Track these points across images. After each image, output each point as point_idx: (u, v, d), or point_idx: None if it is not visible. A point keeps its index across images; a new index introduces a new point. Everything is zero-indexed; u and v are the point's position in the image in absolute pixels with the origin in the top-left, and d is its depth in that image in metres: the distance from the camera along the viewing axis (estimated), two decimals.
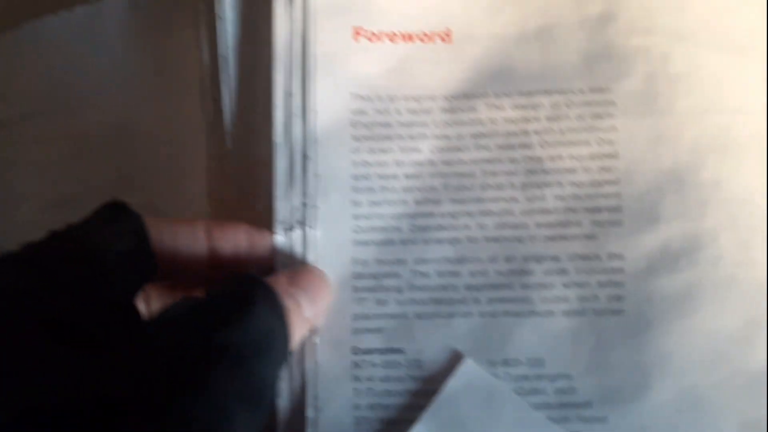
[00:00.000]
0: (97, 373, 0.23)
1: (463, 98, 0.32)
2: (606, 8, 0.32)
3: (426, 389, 0.31)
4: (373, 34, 0.33)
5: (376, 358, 0.31)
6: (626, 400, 0.30)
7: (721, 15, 0.32)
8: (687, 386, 0.30)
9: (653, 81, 0.31)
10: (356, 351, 0.31)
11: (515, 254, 0.31)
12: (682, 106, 0.31)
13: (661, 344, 0.30)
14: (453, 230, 0.32)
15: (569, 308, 0.31)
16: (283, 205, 0.32)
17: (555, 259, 0.31)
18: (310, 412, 0.31)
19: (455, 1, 0.33)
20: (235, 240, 0.31)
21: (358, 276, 0.32)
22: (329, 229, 0.32)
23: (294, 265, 0.31)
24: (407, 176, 0.32)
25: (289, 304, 0.28)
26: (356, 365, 0.31)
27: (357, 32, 0.33)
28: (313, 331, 0.31)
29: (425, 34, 0.33)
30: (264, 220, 0.32)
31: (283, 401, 0.31)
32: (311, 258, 0.31)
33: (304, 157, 0.32)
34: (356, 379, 0.31)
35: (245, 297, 0.26)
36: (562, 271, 0.31)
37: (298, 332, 0.29)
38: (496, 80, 0.32)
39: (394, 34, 0.33)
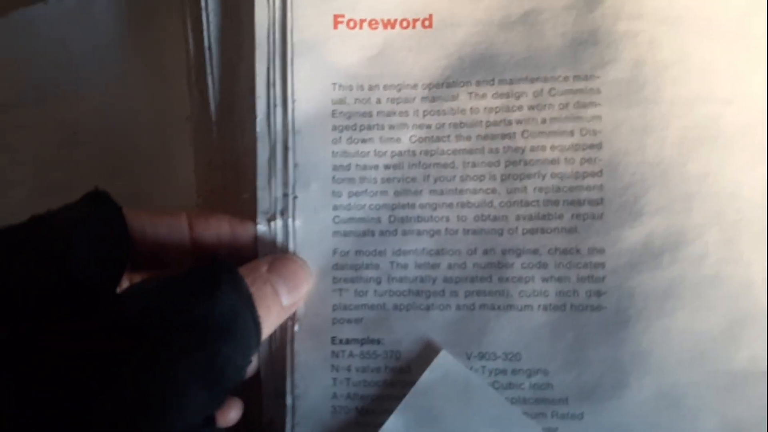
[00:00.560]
0: (44, 343, 0.23)
1: (444, 87, 0.31)
2: None
3: (403, 380, 0.30)
4: (354, 21, 0.31)
5: (355, 348, 0.31)
6: (603, 397, 0.29)
7: (712, 1, 0.30)
8: (666, 385, 0.29)
9: (640, 68, 0.30)
10: (335, 341, 0.31)
11: (494, 247, 0.30)
12: (669, 95, 0.29)
13: (641, 342, 0.29)
14: (432, 222, 0.31)
15: (548, 303, 0.30)
16: (265, 195, 0.31)
17: (534, 252, 0.30)
18: (288, 400, 0.31)
19: None
20: (218, 230, 0.31)
21: (338, 266, 0.31)
22: (309, 219, 0.31)
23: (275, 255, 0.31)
24: (387, 167, 0.31)
25: (266, 290, 0.28)
26: (335, 355, 0.31)
27: (337, 20, 0.31)
28: (292, 320, 0.31)
29: (407, 20, 0.31)
30: (250, 209, 0.32)
31: (266, 387, 0.31)
32: (292, 248, 0.31)
33: (285, 147, 0.31)
34: (334, 368, 0.31)
35: (209, 279, 0.26)
36: (542, 265, 0.30)
37: (273, 319, 0.29)
38: (478, 68, 0.31)
39: (375, 21, 0.31)
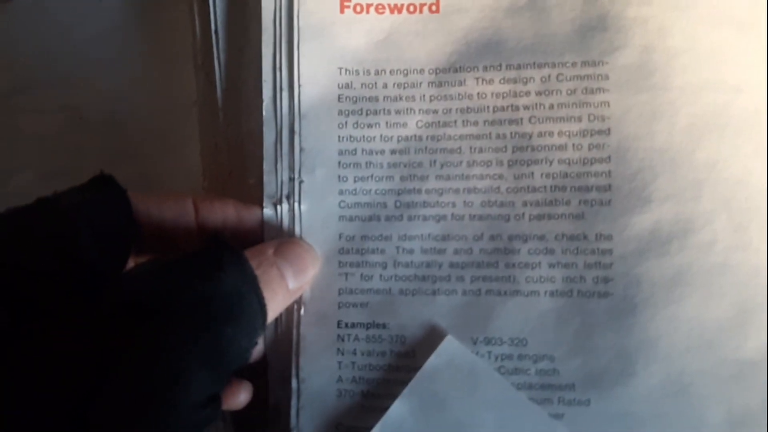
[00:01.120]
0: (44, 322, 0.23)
1: (451, 72, 0.30)
2: None
3: (408, 365, 0.30)
4: (360, 5, 0.31)
5: (360, 332, 0.31)
6: (610, 384, 0.29)
7: None
8: (673, 373, 0.28)
9: (649, 54, 0.29)
10: (341, 324, 0.30)
11: (501, 233, 0.30)
12: (678, 82, 0.29)
13: (648, 329, 0.28)
14: (438, 207, 0.30)
15: (554, 289, 0.29)
16: (271, 179, 0.31)
17: (541, 238, 0.29)
18: (294, 383, 0.30)
19: None
20: (223, 214, 0.30)
21: (344, 251, 0.31)
22: (315, 203, 0.31)
23: (282, 239, 0.31)
24: (393, 152, 0.31)
25: (272, 273, 0.28)
26: (340, 339, 0.31)
27: (344, 4, 0.31)
28: (298, 304, 0.31)
29: (413, 5, 0.31)
30: (256, 193, 0.31)
31: (272, 371, 0.31)
32: (298, 232, 0.30)
33: (291, 131, 0.31)
34: (340, 352, 0.30)
35: (213, 260, 0.26)
36: (548, 251, 0.29)
37: (279, 303, 0.29)
38: (485, 53, 0.30)
39: (382, 6, 0.31)
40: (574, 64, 0.30)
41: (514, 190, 0.30)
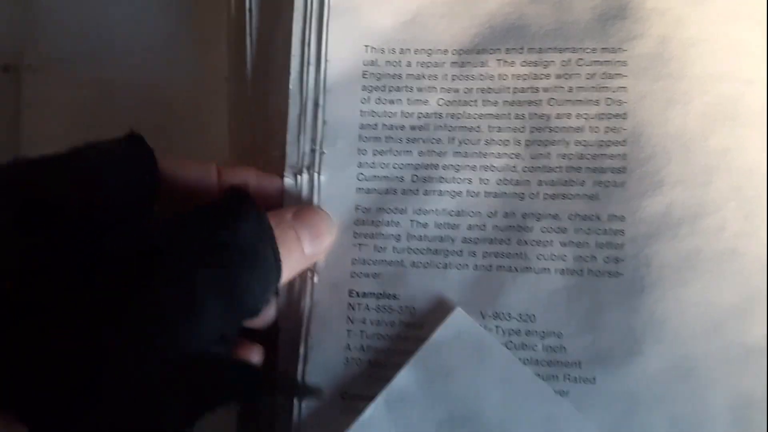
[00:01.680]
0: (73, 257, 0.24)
1: (474, 53, 0.31)
2: None
3: (416, 335, 0.30)
4: None
5: (371, 302, 0.31)
6: (616, 363, 0.28)
7: None
8: (679, 355, 0.28)
9: (666, 44, 0.29)
10: (352, 293, 0.30)
11: (514, 210, 0.30)
12: (694, 72, 0.29)
13: (657, 310, 0.28)
14: (454, 183, 0.30)
15: (565, 267, 0.29)
16: (294, 150, 0.31)
17: (554, 217, 0.29)
18: (302, 349, 0.30)
19: None
20: (245, 181, 0.31)
21: (360, 222, 0.31)
22: (335, 175, 0.31)
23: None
24: (413, 127, 0.31)
25: (289, 234, 0.28)
26: (351, 307, 0.31)
27: None
28: (312, 271, 0.31)
29: None
30: (279, 166, 0.32)
31: (284, 335, 0.31)
32: (316, 202, 0.31)
33: (315, 104, 0.31)
34: (350, 320, 0.30)
35: (234, 210, 0.27)
36: (561, 230, 0.29)
37: (294, 264, 0.29)
38: (508, 36, 0.31)
39: None
40: (593, 50, 0.30)
41: (531, 170, 0.30)
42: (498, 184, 0.30)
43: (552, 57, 0.30)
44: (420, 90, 0.31)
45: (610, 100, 0.30)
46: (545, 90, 0.30)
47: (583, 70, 0.30)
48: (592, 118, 0.30)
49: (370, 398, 0.30)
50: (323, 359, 0.30)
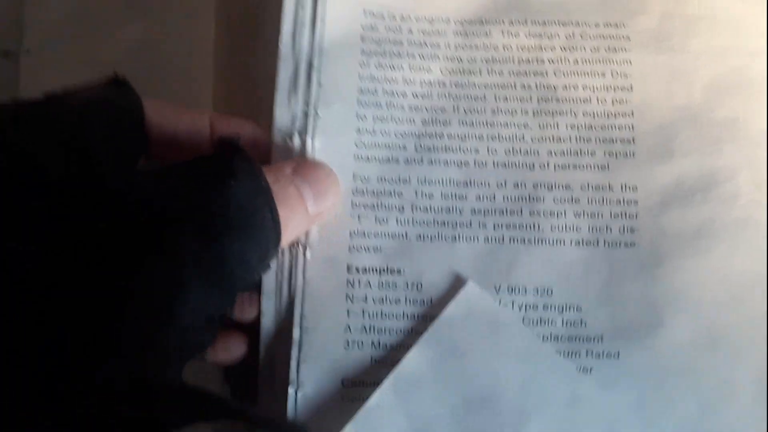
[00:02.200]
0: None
1: (477, 23, 0.30)
2: None
3: (424, 313, 0.27)
4: None
5: (372, 278, 0.27)
6: (639, 335, 0.26)
7: None
8: (702, 326, 0.27)
9: (668, 20, 0.29)
10: (351, 269, 0.27)
11: (525, 180, 0.28)
12: (696, 47, 0.29)
13: (675, 280, 0.27)
14: (461, 153, 0.28)
15: (580, 238, 0.27)
16: (284, 112, 0.28)
17: (566, 187, 0.28)
18: (296, 333, 0.27)
19: None
20: (239, 133, 0.28)
21: (358, 192, 0.28)
22: (330, 140, 0.28)
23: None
24: (415, 95, 0.29)
25: (289, 190, 0.25)
26: (350, 284, 0.27)
27: None
28: (303, 246, 0.28)
29: None
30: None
31: (267, 321, 0.27)
32: None
33: (309, 65, 0.29)
34: (349, 298, 0.27)
35: (224, 166, 0.23)
36: (574, 200, 0.28)
37: (297, 224, 0.25)
38: (511, 8, 0.30)
39: None
40: (597, 25, 0.30)
41: (539, 140, 0.29)
42: (506, 154, 0.29)
43: (556, 30, 0.30)
44: (422, 57, 0.29)
45: (616, 72, 0.29)
46: (551, 61, 0.29)
47: (588, 43, 0.30)
48: (598, 90, 0.29)
49: (374, 384, 0.26)
50: (320, 343, 0.27)
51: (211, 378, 0.29)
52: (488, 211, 0.28)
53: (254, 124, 0.28)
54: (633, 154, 0.28)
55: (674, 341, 0.27)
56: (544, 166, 0.28)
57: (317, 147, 0.28)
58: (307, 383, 0.26)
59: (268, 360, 0.27)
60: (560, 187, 0.28)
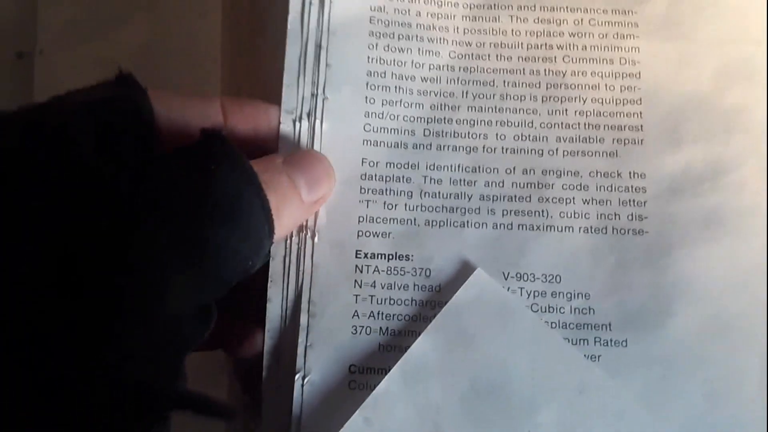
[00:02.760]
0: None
1: (485, 8, 0.29)
2: None
3: (432, 299, 0.26)
4: None
5: (381, 264, 0.27)
6: (648, 324, 0.26)
7: None
8: (711, 314, 0.26)
9: (677, 7, 0.29)
10: (359, 254, 0.27)
11: (534, 167, 0.28)
12: (704, 34, 0.29)
13: (684, 268, 0.27)
14: (470, 138, 0.28)
15: (589, 225, 0.27)
16: (292, 94, 0.27)
17: (575, 174, 0.28)
18: (303, 319, 0.26)
19: None
20: (255, 119, 0.27)
21: (366, 177, 0.27)
22: (339, 123, 0.27)
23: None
24: (424, 79, 0.28)
25: (280, 179, 0.24)
26: (359, 270, 0.27)
27: None
28: (311, 231, 0.27)
29: None
30: None
31: (274, 306, 0.27)
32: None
33: (318, 46, 0.28)
34: (357, 284, 0.26)
35: (206, 155, 0.22)
36: (583, 187, 0.27)
37: (293, 213, 0.25)
38: None
39: None
40: (605, 11, 0.29)
41: (548, 126, 0.28)
42: (515, 139, 0.28)
43: (564, 16, 0.29)
44: (431, 41, 0.29)
45: (624, 59, 0.29)
46: (559, 47, 0.29)
47: (596, 29, 0.29)
48: (607, 76, 0.29)
49: (382, 371, 0.25)
50: (327, 329, 0.26)
51: (212, 376, 0.28)
52: (497, 197, 0.28)
53: (267, 104, 0.27)
54: (641, 141, 0.28)
55: (682, 329, 0.26)
56: (553, 152, 0.28)
57: (325, 130, 0.27)
58: (314, 370, 0.26)
59: (274, 346, 0.26)
60: (569, 174, 0.28)
